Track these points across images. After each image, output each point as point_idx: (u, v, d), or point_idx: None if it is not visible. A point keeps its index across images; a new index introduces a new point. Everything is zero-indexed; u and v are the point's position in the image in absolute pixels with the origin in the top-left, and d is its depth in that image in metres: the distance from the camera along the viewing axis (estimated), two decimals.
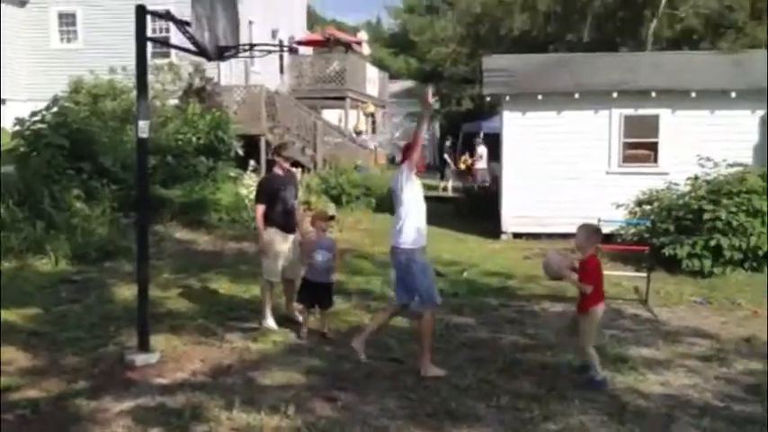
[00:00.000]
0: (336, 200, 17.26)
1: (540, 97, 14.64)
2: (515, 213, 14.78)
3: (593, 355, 6.07)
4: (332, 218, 7.53)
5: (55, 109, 13.88)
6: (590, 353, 6.09)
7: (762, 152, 13.76)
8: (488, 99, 15.94)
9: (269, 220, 7.64)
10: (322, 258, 7.24)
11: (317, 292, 7.32)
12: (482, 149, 22.85)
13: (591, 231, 6.26)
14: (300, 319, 7.59)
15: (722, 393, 5.97)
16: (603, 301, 6.25)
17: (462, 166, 24.28)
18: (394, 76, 40.22)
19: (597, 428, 5.19)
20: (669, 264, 11.06)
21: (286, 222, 7.67)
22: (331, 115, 26.21)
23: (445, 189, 23.62)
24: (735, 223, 10.80)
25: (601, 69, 15.67)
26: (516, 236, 14.65)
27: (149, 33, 6.11)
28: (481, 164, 22.90)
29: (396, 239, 6.26)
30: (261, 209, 7.68)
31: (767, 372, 6.50)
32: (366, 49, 28.69)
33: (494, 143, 18.17)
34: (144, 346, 6.55)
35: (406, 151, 6.34)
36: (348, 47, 27.94)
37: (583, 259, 6.17)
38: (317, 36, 29.74)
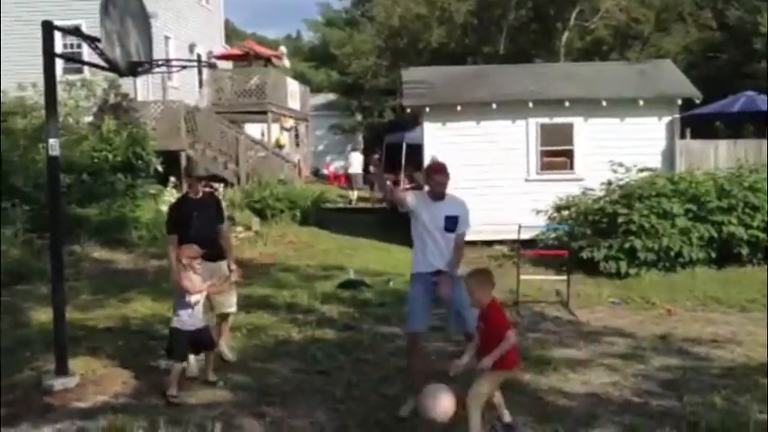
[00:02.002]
0: (260, 214, 17.11)
1: (458, 108, 14.90)
2: None
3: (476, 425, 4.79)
4: (199, 255, 6.11)
5: None
6: (474, 417, 4.79)
7: (669, 157, 14.41)
8: (409, 110, 16.15)
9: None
10: (193, 301, 6.06)
11: (192, 341, 6.15)
12: (354, 156, 25.24)
13: (481, 277, 5.10)
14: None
15: (641, 389, 6.18)
16: (512, 367, 4.96)
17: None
18: (315, 89, 40.20)
19: (521, 428, 5.30)
20: (587, 266, 11.40)
21: (207, 252, 6.32)
22: (253, 129, 25.99)
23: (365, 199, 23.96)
24: (647, 225, 11.23)
25: (516, 80, 16.08)
26: None
27: (61, 49, 5.97)
28: (353, 169, 25.06)
29: None
30: (173, 240, 6.56)
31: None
32: (286, 62, 28.60)
33: (416, 153, 18.37)
34: (62, 370, 6.32)
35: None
36: (268, 61, 27.79)
37: (482, 310, 5.00)
38: (235, 50, 29.49)
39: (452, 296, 5.55)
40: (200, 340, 6.18)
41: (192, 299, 6.03)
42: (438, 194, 5.73)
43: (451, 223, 5.69)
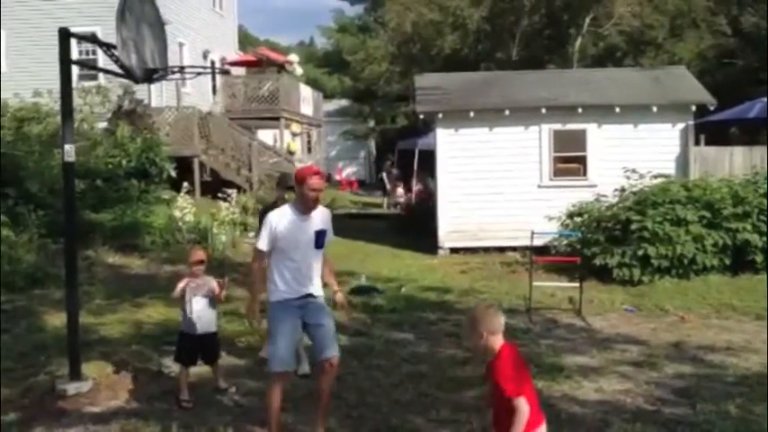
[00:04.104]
0: None
1: (471, 114, 14.90)
2: (451, 229, 14.96)
3: None
4: (201, 261, 6.16)
5: None
6: None
7: (683, 163, 14.34)
8: (422, 116, 16.16)
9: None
10: (199, 307, 6.10)
11: (198, 346, 6.17)
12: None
13: (479, 315, 3.81)
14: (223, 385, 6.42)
15: (653, 397, 6.15)
16: (543, 421, 3.84)
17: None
18: (328, 95, 40.34)
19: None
20: (600, 273, 11.35)
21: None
22: (266, 135, 26.11)
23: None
24: (660, 233, 11.17)
25: (529, 86, 16.06)
26: (453, 251, 14.82)
27: (77, 56, 6.03)
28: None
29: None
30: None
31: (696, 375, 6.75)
32: (298, 70, 28.74)
33: (429, 159, 18.38)
34: (75, 375, 6.37)
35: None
36: (281, 67, 27.93)
37: (489, 358, 3.77)
38: (249, 57, 29.64)
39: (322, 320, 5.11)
40: (205, 346, 6.19)
41: (194, 303, 6.06)
42: (311, 206, 5.00)
43: (322, 239, 5.10)
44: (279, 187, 7.35)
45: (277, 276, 5.03)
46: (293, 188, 5.88)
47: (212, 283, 6.19)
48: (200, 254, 6.27)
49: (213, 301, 6.20)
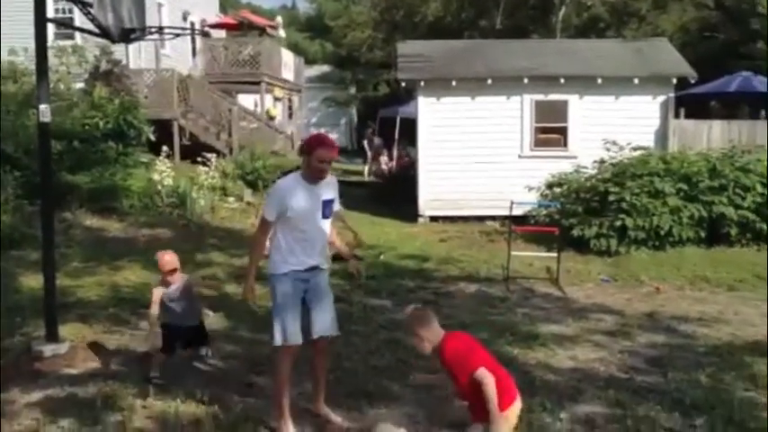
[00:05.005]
0: (253, 185, 17.07)
1: (454, 83, 14.84)
2: (431, 197, 14.98)
3: None
4: (175, 270, 5.68)
5: None
6: None
7: (662, 136, 14.43)
8: (404, 84, 16.07)
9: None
10: (179, 309, 5.73)
11: (182, 336, 5.83)
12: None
13: (410, 321, 4.09)
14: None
15: (626, 366, 6.26)
16: (514, 401, 3.88)
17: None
18: (310, 60, 39.93)
19: None
20: (578, 244, 11.46)
21: None
22: (247, 100, 25.84)
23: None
24: (638, 204, 11.26)
25: (512, 56, 16.01)
26: (433, 219, 14.86)
27: (53, 14, 5.89)
28: None
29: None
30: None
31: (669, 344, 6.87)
32: (281, 33, 28.38)
33: (410, 127, 18.33)
34: (52, 337, 6.35)
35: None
36: (263, 31, 27.55)
37: (435, 351, 3.95)
38: (230, 19, 29.21)
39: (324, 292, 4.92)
40: (188, 337, 5.85)
41: (174, 306, 5.69)
42: (318, 176, 4.75)
43: (329, 209, 4.88)
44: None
45: (284, 247, 4.75)
46: None
47: (187, 280, 5.80)
48: (171, 260, 5.70)
49: (193, 297, 5.82)
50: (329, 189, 4.86)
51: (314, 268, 4.83)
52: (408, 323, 4.06)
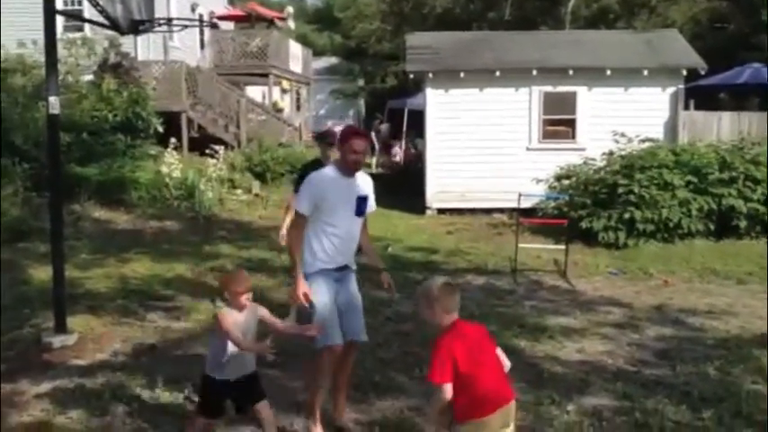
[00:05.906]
0: (261, 177, 17.09)
1: (462, 75, 14.80)
2: (439, 189, 14.97)
3: None
4: (249, 290, 4.09)
5: None
6: None
7: (671, 128, 14.34)
8: (412, 76, 16.05)
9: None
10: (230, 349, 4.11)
11: (229, 393, 4.20)
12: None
13: (436, 292, 3.59)
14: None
15: (634, 358, 6.24)
16: (485, 415, 3.58)
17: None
18: (318, 52, 39.86)
19: (516, 394, 5.34)
20: (586, 236, 11.42)
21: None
22: (255, 92, 25.83)
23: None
24: (647, 196, 11.22)
25: (521, 47, 15.94)
26: (440, 211, 14.85)
27: (62, 6, 5.91)
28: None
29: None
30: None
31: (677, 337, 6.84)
32: (291, 24, 28.33)
33: (418, 119, 18.29)
34: (61, 328, 6.38)
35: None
36: (271, 22, 27.52)
37: (439, 334, 3.60)
38: (238, 11, 29.18)
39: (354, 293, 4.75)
40: (244, 393, 4.19)
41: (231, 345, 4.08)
42: (352, 168, 4.58)
43: (364, 205, 4.70)
44: (322, 143, 6.80)
45: (315, 244, 4.53)
46: (334, 144, 5.77)
47: (261, 310, 4.22)
48: (246, 281, 4.14)
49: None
50: (365, 185, 4.71)
51: (344, 268, 4.68)
52: (430, 296, 3.59)
